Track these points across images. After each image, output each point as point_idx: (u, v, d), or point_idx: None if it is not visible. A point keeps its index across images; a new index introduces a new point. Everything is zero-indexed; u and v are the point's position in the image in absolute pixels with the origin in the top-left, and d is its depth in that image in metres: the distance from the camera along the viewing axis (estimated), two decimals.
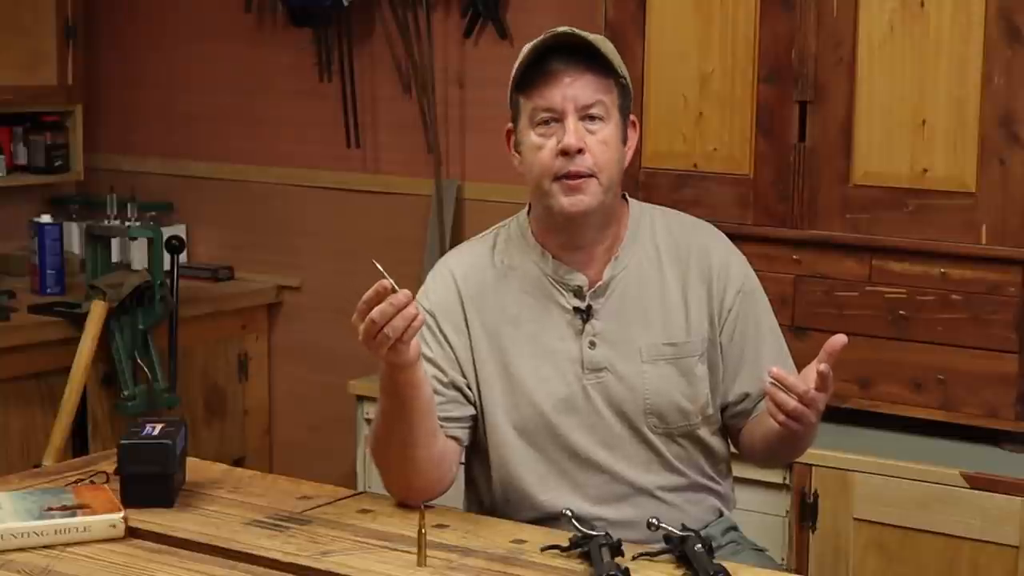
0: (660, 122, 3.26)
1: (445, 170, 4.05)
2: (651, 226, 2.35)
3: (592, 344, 2.27)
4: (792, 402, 2.07)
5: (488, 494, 2.34)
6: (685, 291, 2.31)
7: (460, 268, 2.35)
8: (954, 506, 2.88)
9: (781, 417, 2.10)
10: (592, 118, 2.21)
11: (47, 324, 3.85)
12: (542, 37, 2.23)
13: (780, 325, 2.41)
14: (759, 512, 3.03)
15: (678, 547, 2.02)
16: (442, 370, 2.28)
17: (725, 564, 1.95)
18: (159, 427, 2.28)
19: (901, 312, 3.06)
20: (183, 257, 4.07)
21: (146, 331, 3.85)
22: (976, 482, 2.87)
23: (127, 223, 4.18)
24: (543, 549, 2.06)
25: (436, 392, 2.25)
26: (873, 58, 3.04)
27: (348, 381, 3.76)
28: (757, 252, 2.83)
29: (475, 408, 2.30)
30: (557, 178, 2.21)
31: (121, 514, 2.14)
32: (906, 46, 3.00)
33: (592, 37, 2.24)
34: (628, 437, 2.28)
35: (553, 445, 2.28)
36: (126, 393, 3.79)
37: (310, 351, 4.34)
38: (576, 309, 2.28)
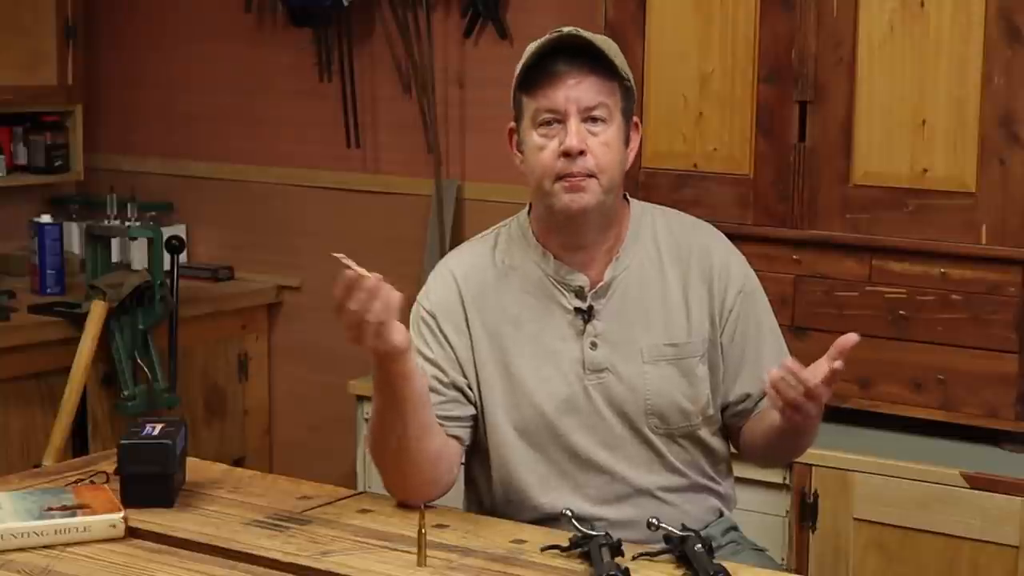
0: (660, 122, 3.26)
1: (445, 170, 4.05)
2: (652, 226, 2.35)
3: (593, 345, 2.27)
4: (793, 392, 2.07)
5: (488, 494, 2.34)
6: (686, 291, 2.31)
7: (461, 268, 2.34)
8: (954, 506, 2.88)
9: (780, 405, 2.09)
10: (594, 120, 2.21)
11: (47, 324, 3.85)
12: (547, 37, 2.23)
13: (780, 325, 2.41)
14: (759, 512, 3.03)
15: (678, 547, 2.02)
16: (443, 370, 2.28)
17: (725, 564, 1.95)
18: (159, 427, 2.28)
19: (901, 312, 3.06)
20: (183, 257, 4.07)
21: (146, 331, 3.85)
22: (976, 482, 2.87)
23: (127, 223, 4.18)
24: (543, 549, 2.06)
25: (436, 392, 2.26)
26: (873, 58, 3.04)
27: (348, 381, 3.76)
28: (757, 252, 2.83)
29: (476, 408, 2.30)
30: (558, 178, 2.21)
31: (121, 514, 2.14)
32: (906, 46, 3.00)
33: (597, 39, 2.24)
34: (629, 438, 2.28)
35: (554, 446, 2.28)
36: (126, 393, 3.79)
37: (310, 351, 4.34)
38: (577, 310, 2.28)
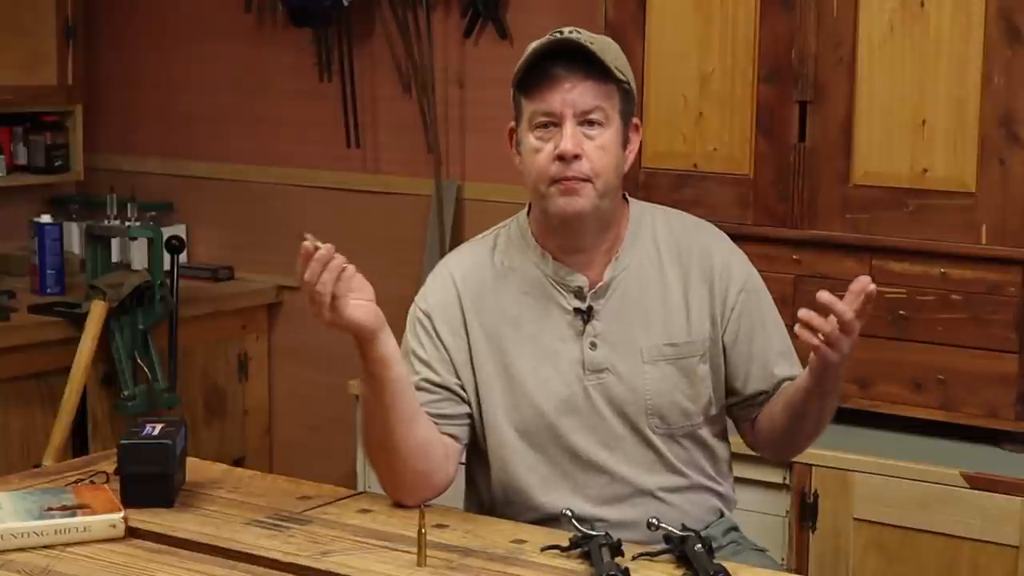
0: (660, 122, 3.26)
1: (445, 170, 4.05)
2: (652, 226, 2.34)
3: (593, 345, 2.27)
4: (830, 326, 2.06)
5: (488, 495, 2.34)
6: (686, 291, 2.31)
7: (460, 269, 2.34)
8: (954, 506, 2.88)
9: (816, 342, 2.07)
10: (591, 123, 2.21)
11: (47, 324, 3.85)
12: (545, 39, 2.22)
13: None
14: (759, 512, 3.03)
15: (678, 547, 2.02)
16: (435, 371, 2.28)
17: (725, 564, 1.95)
18: (159, 427, 2.28)
19: (901, 312, 3.06)
20: (183, 257, 4.07)
21: (146, 331, 3.85)
22: (976, 482, 2.87)
23: (127, 223, 4.18)
24: (543, 549, 2.06)
25: (428, 391, 2.26)
26: (873, 58, 3.04)
27: (348, 381, 3.75)
28: (757, 252, 2.82)
29: (470, 407, 2.30)
30: (554, 182, 2.20)
31: (121, 514, 2.14)
32: (906, 46, 3.00)
33: (596, 42, 2.23)
34: (629, 438, 2.28)
35: (554, 446, 2.28)
36: (126, 393, 3.79)
37: (310, 351, 4.34)
38: (577, 310, 2.28)
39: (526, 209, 2.37)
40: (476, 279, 2.33)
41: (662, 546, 2.04)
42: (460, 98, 4.04)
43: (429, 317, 2.31)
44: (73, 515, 2.13)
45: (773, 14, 3.13)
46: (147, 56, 4.61)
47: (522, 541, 2.12)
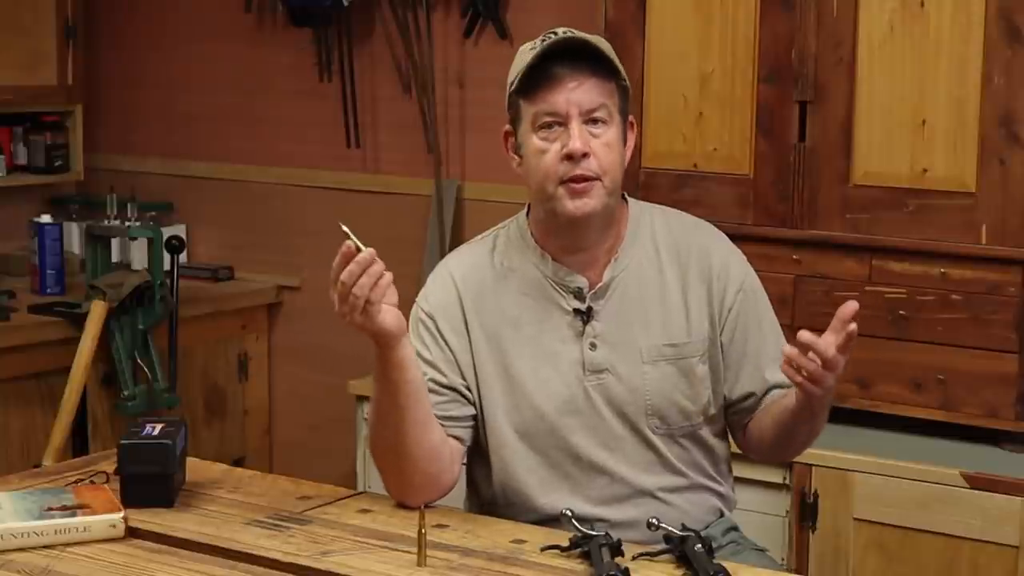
0: (660, 122, 3.26)
1: (445, 170, 4.05)
2: (651, 226, 2.34)
3: (593, 346, 2.27)
4: (814, 365, 2.07)
5: (489, 495, 2.34)
6: (685, 291, 2.31)
7: (460, 270, 2.34)
8: (954, 506, 2.88)
9: (799, 379, 2.08)
10: (595, 121, 2.21)
11: (47, 324, 3.85)
12: (542, 40, 2.22)
13: (780, 325, 2.40)
14: (759, 512, 3.03)
15: (678, 547, 2.02)
16: (441, 372, 2.28)
17: (725, 564, 1.95)
18: (159, 427, 2.28)
19: (901, 312, 3.06)
20: (183, 257, 4.07)
21: (146, 331, 3.85)
22: (976, 482, 2.87)
23: (127, 223, 4.17)
24: (543, 549, 2.06)
25: (435, 392, 2.25)
26: (873, 58, 3.04)
27: (348, 381, 3.76)
28: (757, 252, 2.83)
29: (475, 408, 2.30)
30: (563, 182, 2.20)
31: (121, 514, 2.14)
32: (906, 46, 3.00)
33: (592, 39, 2.23)
34: (629, 438, 2.28)
35: (554, 447, 2.28)
36: (126, 393, 3.79)
37: (310, 351, 4.34)
38: (576, 311, 2.28)
39: (525, 210, 2.37)
40: (476, 280, 2.32)
41: (662, 546, 2.04)
42: (460, 98, 4.04)
43: (432, 318, 2.31)
44: (73, 515, 2.13)
45: (773, 14, 3.13)
46: (147, 56, 4.61)
47: (522, 541, 2.12)
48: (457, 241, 3.71)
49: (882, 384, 3.09)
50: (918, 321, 3.04)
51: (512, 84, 2.25)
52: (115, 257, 4.09)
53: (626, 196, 2.36)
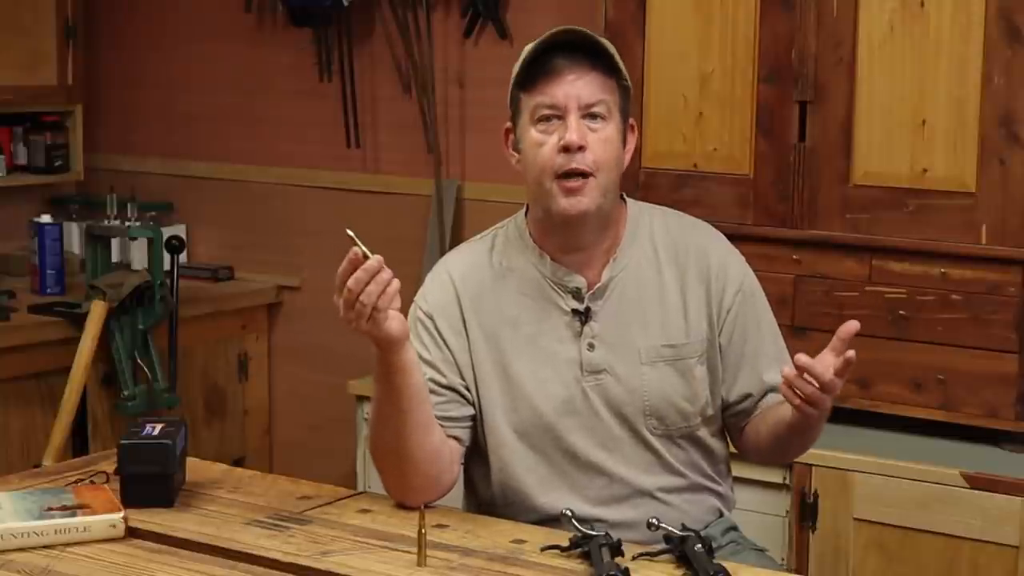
0: (660, 122, 3.26)
1: (445, 170, 4.05)
2: (649, 226, 2.34)
3: (591, 346, 2.27)
4: (811, 388, 2.07)
5: (488, 496, 2.34)
6: (684, 292, 2.31)
7: (458, 269, 2.34)
8: (954, 506, 2.88)
9: (797, 402, 2.09)
10: (594, 116, 2.21)
11: (47, 324, 3.85)
12: (547, 34, 2.22)
13: (780, 325, 2.40)
14: (759, 512, 3.03)
15: (678, 547, 2.02)
16: (440, 372, 2.28)
17: (725, 564, 1.95)
18: (159, 427, 2.28)
19: (901, 312, 3.06)
20: (183, 257, 4.07)
21: (146, 331, 3.85)
22: (976, 482, 2.87)
23: (127, 223, 4.17)
24: (543, 549, 2.06)
25: (434, 393, 2.25)
26: (873, 58, 3.04)
27: (348, 381, 3.76)
28: (757, 252, 2.83)
29: (475, 408, 2.30)
30: (557, 176, 2.20)
31: (121, 514, 2.14)
32: (906, 46, 3.00)
33: (595, 35, 2.24)
34: (628, 439, 2.28)
35: (553, 447, 2.28)
36: (126, 393, 3.79)
37: (310, 351, 4.34)
38: (575, 311, 2.28)
39: (524, 210, 2.36)
40: (475, 279, 2.32)
41: (662, 546, 2.04)
42: (460, 98, 4.04)
43: (431, 318, 2.31)
44: (73, 515, 2.13)
45: (773, 14, 3.13)
46: (147, 56, 4.61)
47: (522, 541, 2.12)
48: (457, 241, 3.71)
49: (882, 384, 3.09)
50: (918, 321, 3.04)
51: (514, 79, 2.25)
52: (115, 257, 4.09)
53: (624, 197, 2.36)
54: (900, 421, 3.10)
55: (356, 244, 2.04)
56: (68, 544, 2.09)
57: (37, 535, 2.09)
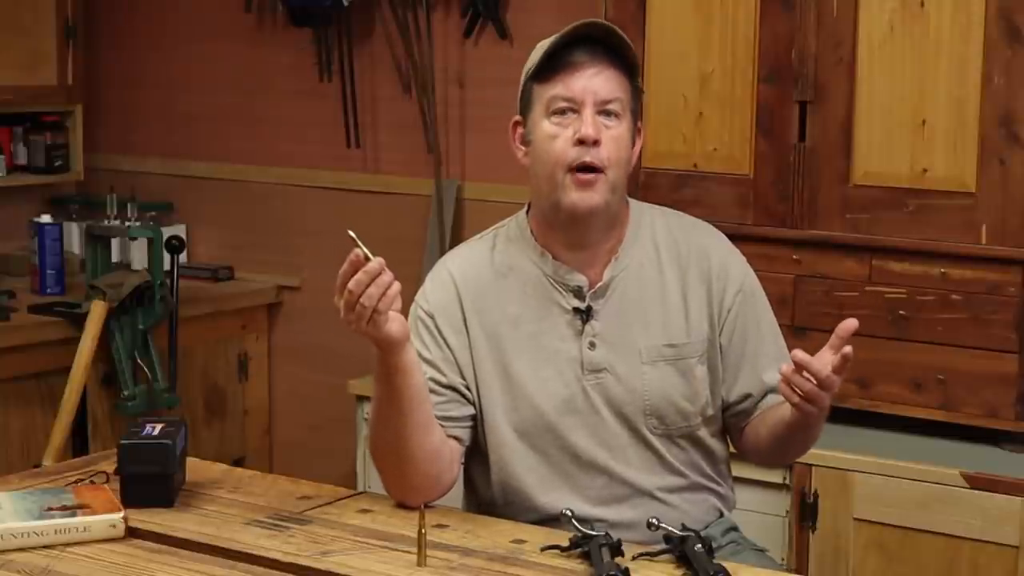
0: (660, 122, 3.26)
1: (445, 170, 4.05)
2: (651, 226, 2.34)
3: (592, 345, 2.27)
4: (809, 384, 2.07)
5: (488, 495, 2.34)
6: (685, 292, 2.31)
7: (459, 269, 2.34)
8: (954, 506, 2.88)
9: (796, 399, 2.09)
10: (608, 114, 2.21)
11: (47, 324, 3.85)
12: (570, 27, 2.22)
13: (780, 325, 2.41)
14: (759, 512, 3.03)
15: (678, 547, 2.02)
16: (441, 371, 2.28)
17: (725, 564, 1.95)
18: (159, 427, 2.28)
19: (901, 312, 3.06)
20: (183, 257, 4.07)
21: (146, 331, 3.85)
22: (976, 482, 2.87)
23: (127, 223, 4.18)
24: (543, 549, 2.06)
25: (435, 392, 2.25)
26: (873, 58, 3.04)
27: (348, 381, 3.76)
28: (757, 252, 2.83)
29: (475, 408, 2.30)
30: (571, 169, 2.20)
31: (121, 514, 2.14)
32: (906, 46, 3.00)
33: (617, 29, 2.25)
34: (628, 438, 2.28)
35: (553, 446, 2.28)
36: (126, 393, 3.79)
37: (310, 351, 4.34)
38: (576, 310, 2.28)
39: (525, 208, 2.36)
40: (475, 278, 2.32)
41: (662, 546, 2.04)
42: (460, 98, 4.04)
43: (432, 317, 2.31)
44: (73, 515, 2.13)
45: (773, 14, 3.13)
46: (147, 56, 4.61)
47: (522, 541, 2.12)
48: (457, 241, 3.71)
49: (882, 384, 3.09)
50: (918, 321, 3.04)
51: (529, 71, 2.25)
52: (115, 257, 4.09)
53: (626, 197, 2.36)
54: (900, 421, 3.10)
55: (358, 245, 2.04)
56: (68, 544, 2.09)
57: (37, 535, 2.09)
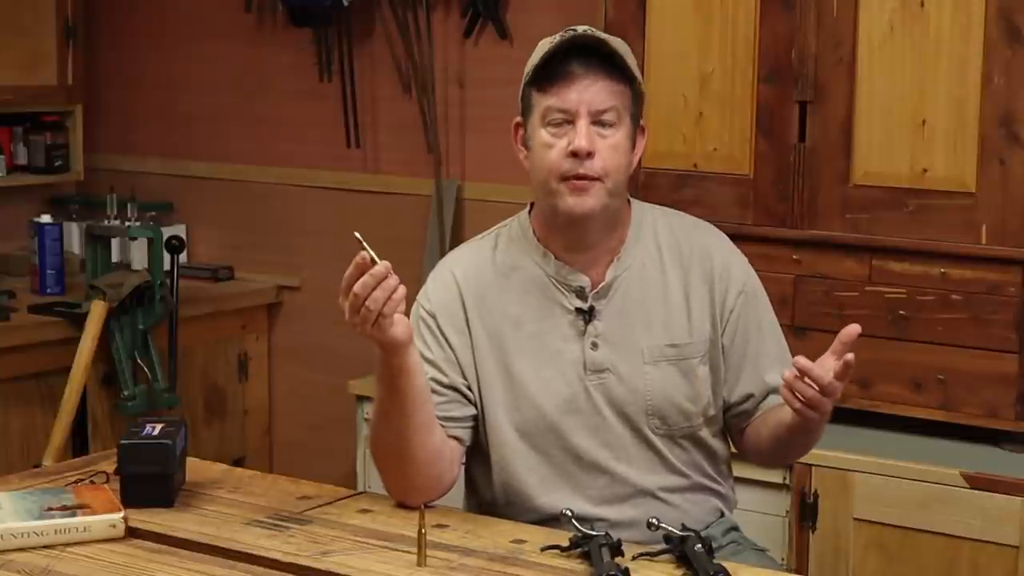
0: (660, 122, 3.25)
1: (445, 170, 4.05)
2: (653, 226, 2.35)
3: (594, 345, 2.27)
4: (811, 391, 2.07)
5: (489, 495, 2.34)
6: (687, 292, 2.31)
7: (461, 269, 2.34)
8: (954, 506, 2.88)
9: (798, 405, 2.09)
10: (603, 123, 2.21)
11: (47, 324, 3.85)
12: (562, 34, 2.22)
13: (780, 325, 2.41)
14: (759, 512, 3.03)
15: (678, 547, 2.02)
16: (442, 371, 2.28)
17: (725, 564, 1.95)
18: (159, 427, 2.28)
19: (901, 312, 3.06)
20: (183, 257, 4.07)
21: (146, 331, 3.85)
22: (976, 482, 2.87)
23: (127, 223, 4.18)
24: (543, 549, 2.06)
25: (436, 392, 2.25)
26: (873, 58, 3.04)
27: (348, 381, 3.76)
28: (757, 252, 2.82)
29: (476, 408, 2.30)
30: (564, 179, 2.20)
31: (121, 514, 2.14)
32: (906, 46, 3.00)
33: (611, 39, 2.24)
34: (630, 438, 2.28)
35: (555, 446, 2.28)
36: (126, 393, 3.79)
37: (310, 351, 4.34)
38: (578, 310, 2.28)
39: (527, 208, 2.37)
40: (477, 278, 2.32)
41: (662, 546, 2.04)
42: (460, 98, 4.04)
43: (434, 317, 2.31)
44: (73, 515, 2.13)
45: (773, 14, 3.13)
46: (147, 56, 4.61)
47: (522, 541, 2.12)
48: (457, 241, 3.71)
49: (882, 384, 3.09)
50: (918, 321, 3.04)
51: (527, 76, 2.25)
52: (115, 257, 4.09)
53: (629, 197, 2.36)
54: (900, 421, 3.10)
55: (364, 248, 2.03)
56: (68, 544, 2.09)
57: (37, 535, 2.09)
